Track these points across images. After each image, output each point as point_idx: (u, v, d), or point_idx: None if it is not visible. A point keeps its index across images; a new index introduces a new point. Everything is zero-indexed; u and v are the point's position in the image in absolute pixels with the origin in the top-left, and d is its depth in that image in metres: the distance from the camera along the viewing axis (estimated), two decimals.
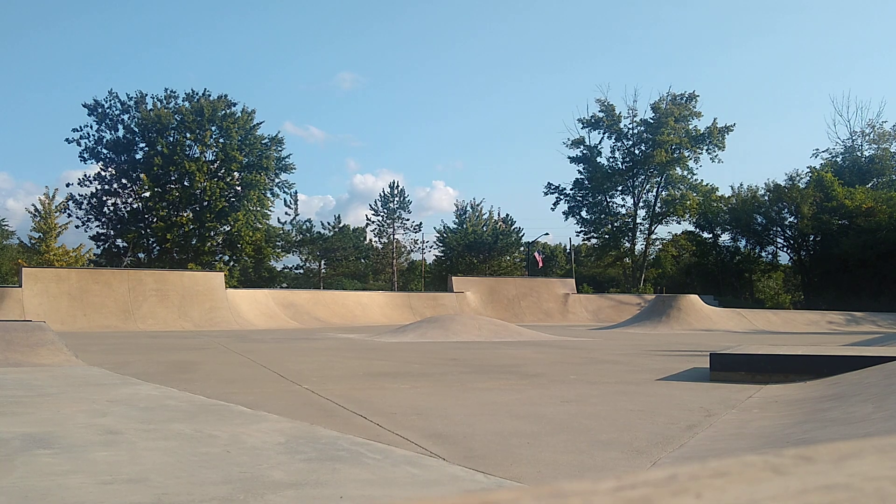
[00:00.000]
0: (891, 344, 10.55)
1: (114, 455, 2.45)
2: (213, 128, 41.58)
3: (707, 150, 43.22)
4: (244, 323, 17.62)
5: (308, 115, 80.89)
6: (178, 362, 6.85)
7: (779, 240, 40.93)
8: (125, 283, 17.49)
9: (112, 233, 42.40)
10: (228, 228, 42.50)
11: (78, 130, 42.29)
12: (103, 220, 42.39)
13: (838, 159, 43.89)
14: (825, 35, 79.34)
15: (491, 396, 4.43)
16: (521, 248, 50.30)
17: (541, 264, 38.90)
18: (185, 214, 41.45)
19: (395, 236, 49.66)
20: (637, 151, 43.94)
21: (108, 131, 42.53)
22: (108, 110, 42.27)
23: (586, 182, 45.10)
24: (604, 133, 44.80)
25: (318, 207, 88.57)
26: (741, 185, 42.22)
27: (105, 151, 42.44)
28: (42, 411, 3.44)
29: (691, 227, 43.64)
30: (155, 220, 41.30)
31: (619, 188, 45.08)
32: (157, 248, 41.82)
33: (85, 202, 42.13)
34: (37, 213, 38.17)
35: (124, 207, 42.77)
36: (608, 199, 45.54)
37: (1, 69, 60.71)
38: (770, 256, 42.35)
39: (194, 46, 72.69)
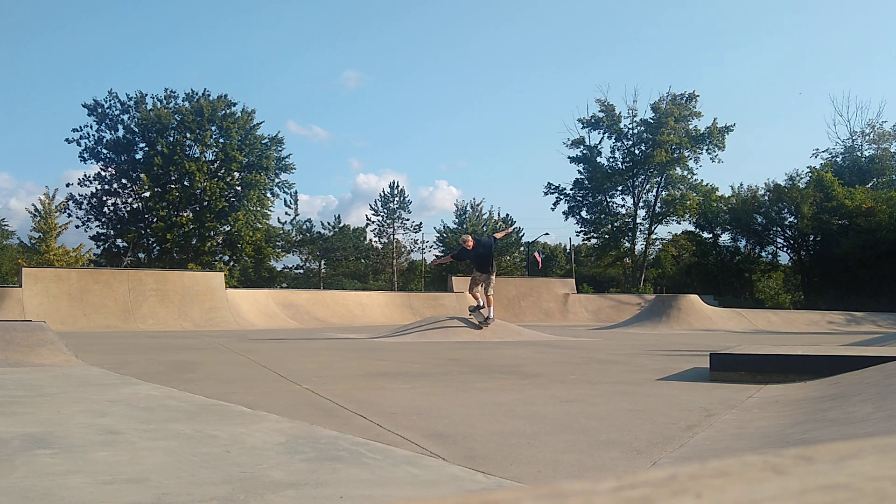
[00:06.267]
0: (891, 344, 10.55)
1: (114, 455, 2.45)
2: (213, 128, 41.55)
3: (707, 150, 43.21)
4: (244, 323, 17.62)
5: (312, 114, 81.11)
6: (178, 362, 6.84)
7: (779, 240, 40.94)
8: (125, 283, 17.49)
9: (112, 233, 42.41)
10: (228, 228, 42.50)
11: (78, 130, 42.34)
12: (103, 220, 42.41)
13: (838, 159, 43.87)
14: (825, 35, 79.39)
15: (491, 396, 4.43)
16: (521, 248, 50.29)
17: (540, 265, 38.91)
18: (185, 214, 41.45)
19: (395, 236, 49.65)
20: (637, 151, 43.92)
21: (108, 131, 42.55)
22: (108, 110, 42.26)
23: (586, 182, 45.08)
24: (604, 133, 44.80)
25: (320, 207, 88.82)
26: (741, 185, 42.30)
27: (105, 151, 42.45)
28: (42, 411, 3.43)
29: (691, 227, 43.67)
30: (155, 220, 41.30)
31: (619, 188, 45.07)
32: (157, 248, 41.82)
33: (85, 202, 42.16)
34: (37, 213, 38.17)
35: (124, 207, 42.79)
36: (608, 199, 45.52)
37: (2, 69, 60.74)
38: (770, 256, 42.37)
39: (197, 46, 72.84)
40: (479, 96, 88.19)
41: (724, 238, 42.47)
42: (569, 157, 45.53)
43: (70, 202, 41.32)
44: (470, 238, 11.81)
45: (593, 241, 47.05)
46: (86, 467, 2.26)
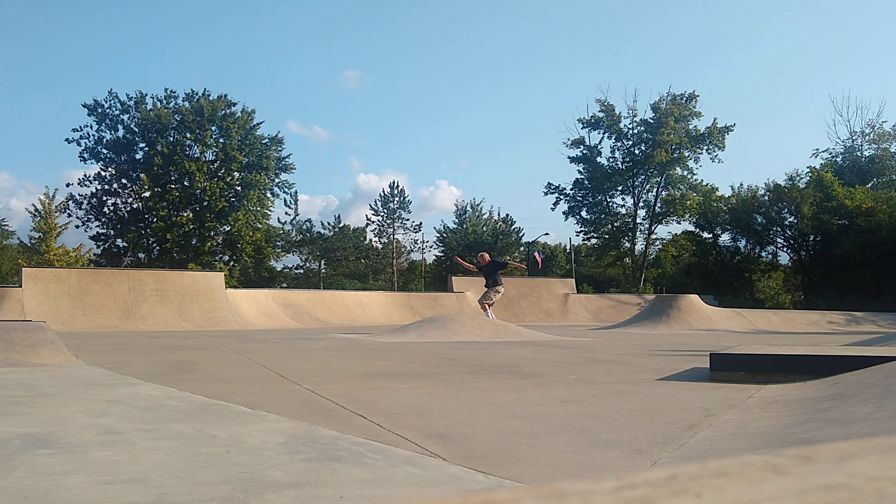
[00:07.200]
0: (891, 344, 10.55)
1: (114, 455, 2.45)
2: (213, 128, 41.57)
3: (707, 150, 43.24)
4: (244, 323, 17.61)
5: (312, 114, 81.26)
6: (178, 362, 6.84)
7: (779, 240, 40.94)
8: (125, 283, 17.48)
9: (112, 233, 42.43)
10: (228, 228, 42.53)
11: (78, 130, 42.37)
12: (103, 220, 42.43)
13: (838, 159, 43.88)
14: (825, 35, 79.46)
15: (491, 396, 4.43)
16: (521, 248, 50.35)
17: (540, 265, 38.91)
18: (185, 214, 41.47)
19: (395, 236, 49.68)
20: (637, 151, 43.95)
21: (108, 131, 42.58)
22: (108, 110, 42.29)
23: (586, 182, 45.11)
24: (604, 133, 44.83)
25: (320, 207, 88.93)
26: (741, 185, 42.30)
27: (105, 151, 42.48)
28: (42, 411, 3.43)
29: (691, 227, 43.68)
30: (155, 220, 41.33)
31: (619, 188, 45.11)
32: (157, 248, 41.85)
33: (85, 202, 42.20)
34: (37, 213, 38.21)
35: (124, 207, 42.81)
36: (608, 199, 45.55)
37: (2, 69, 60.78)
38: (770, 256, 42.37)
39: (197, 46, 72.92)
40: (479, 96, 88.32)
41: (724, 238, 42.53)
42: (569, 157, 45.60)
43: (70, 202, 41.38)
44: (486, 255, 14.61)
45: (593, 241, 47.09)
46: (86, 467, 2.26)
